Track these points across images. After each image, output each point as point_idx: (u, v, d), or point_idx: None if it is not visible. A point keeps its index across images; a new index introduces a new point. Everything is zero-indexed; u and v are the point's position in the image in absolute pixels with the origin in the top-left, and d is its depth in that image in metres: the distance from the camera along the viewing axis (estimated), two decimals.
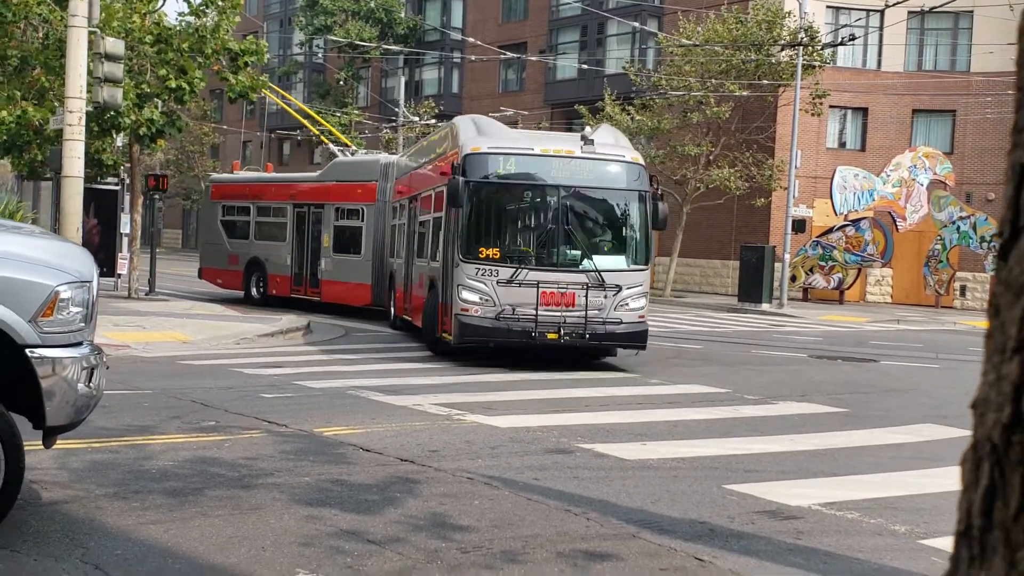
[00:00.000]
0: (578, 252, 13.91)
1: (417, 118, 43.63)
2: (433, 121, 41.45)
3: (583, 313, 13.56)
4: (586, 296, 13.55)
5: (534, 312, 13.41)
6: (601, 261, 13.95)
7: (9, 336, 5.12)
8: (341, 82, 56.58)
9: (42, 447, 5.84)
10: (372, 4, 52.32)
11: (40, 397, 5.24)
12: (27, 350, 5.18)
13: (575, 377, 13.19)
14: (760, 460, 8.28)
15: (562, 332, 13.50)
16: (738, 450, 8.63)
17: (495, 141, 14.25)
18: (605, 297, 13.69)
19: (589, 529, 5.98)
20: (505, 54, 41.96)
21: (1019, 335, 0.98)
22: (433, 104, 48.01)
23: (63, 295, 5.33)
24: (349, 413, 9.65)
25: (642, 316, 14.16)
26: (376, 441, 8.33)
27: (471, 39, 42.05)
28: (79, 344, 5.51)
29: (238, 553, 5.25)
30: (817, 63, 31.70)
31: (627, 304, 13.88)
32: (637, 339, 14.18)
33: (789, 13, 31.90)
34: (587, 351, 14.55)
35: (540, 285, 13.47)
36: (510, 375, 13.13)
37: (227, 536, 5.50)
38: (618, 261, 14.19)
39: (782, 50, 31.72)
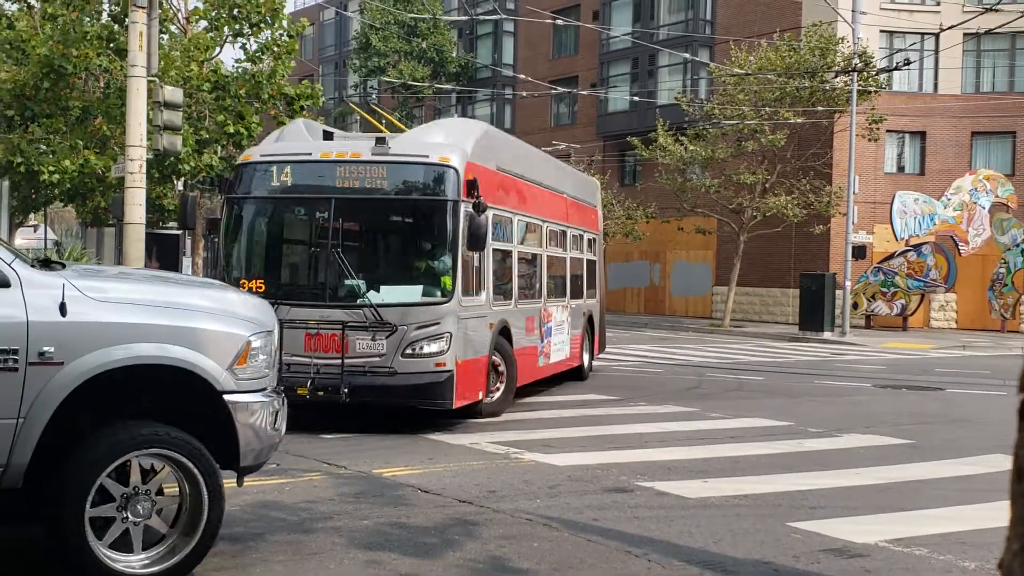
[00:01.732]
0: (353, 282, 10.84)
1: None
2: None
3: (340, 361, 10.45)
4: (343, 338, 10.47)
5: (294, 360, 10.42)
6: (381, 293, 10.80)
7: (210, 383, 5.48)
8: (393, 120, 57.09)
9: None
10: (424, 44, 52.91)
11: (236, 440, 5.62)
12: (224, 396, 5.53)
13: (635, 412, 13.08)
14: (825, 495, 8.14)
15: (312, 386, 10.42)
16: (802, 485, 8.49)
17: (275, 147, 11.77)
18: (379, 339, 10.53)
19: (651, 571, 5.90)
20: (556, 89, 42.12)
21: None
22: None
23: (254, 344, 5.70)
24: (407, 453, 9.65)
25: (441, 364, 10.62)
26: (434, 482, 8.32)
27: (522, 75, 42.28)
28: (264, 389, 5.84)
29: None
30: (872, 88, 31.40)
31: (418, 348, 10.59)
32: (429, 394, 10.68)
33: (843, 39, 31.67)
34: (385, 408, 11.61)
35: (304, 325, 10.63)
36: (568, 412, 13.06)
37: None
38: (406, 292, 10.95)
39: (836, 76, 31.47)
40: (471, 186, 10.93)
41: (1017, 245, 34.75)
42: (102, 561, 5.15)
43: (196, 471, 5.39)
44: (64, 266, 5.55)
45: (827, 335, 29.83)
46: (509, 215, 12.96)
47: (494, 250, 12.05)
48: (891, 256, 35.32)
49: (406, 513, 7.19)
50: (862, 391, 16.49)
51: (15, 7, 23.37)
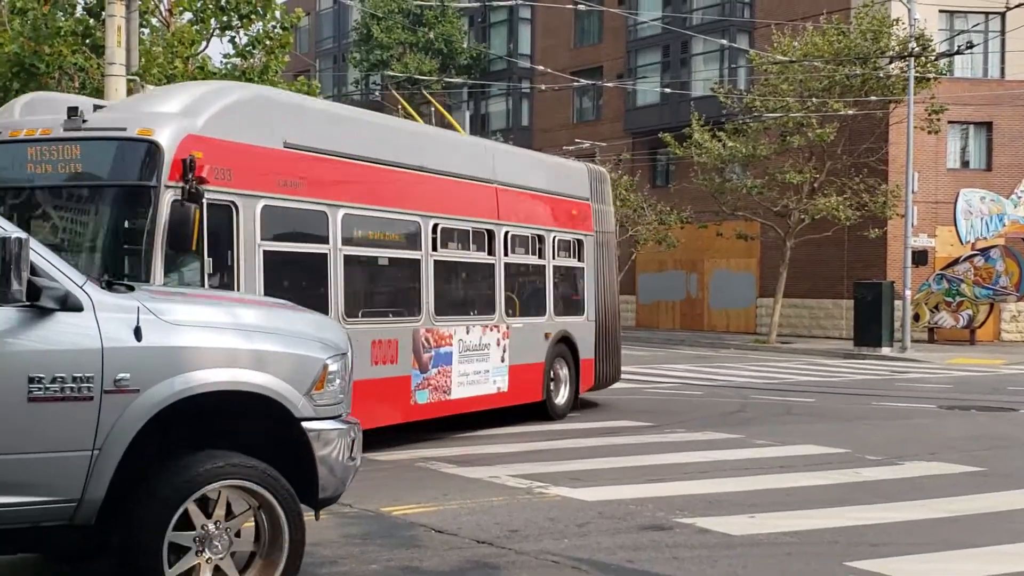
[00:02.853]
0: None
1: None
2: None
3: None
4: None
5: None
6: None
7: (288, 410, 5.64)
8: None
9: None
10: (431, 34, 53.10)
11: (314, 469, 5.78)
12: (303, 423, 5.71)
13: (672, 440, 13.04)
14: (887, 531, 8.09)
15: None
16: (861, 520, 8.43)
17: None
18: None
19: None
20: (579, 81, 42.24)
21: None
22: (502, 139, 48.42)
23: (331, 367, 5.89)
24: (419, 488, 9.64)
25: None
26: (449, 520, 8.30)
27: (541, 67, 42.43)
28: (340, 416, 6.01)
29: None
30: (932, 75, 31.33)
31: None
32: None
33: (897, 20, 31.62)
34: None
35: None
36: (597, 440, 13.03)
37: None
38: None
39: (891, 62, 31.43)
40: (186, 166, 9.08)
41: None
42: None
43: (276, 503, 5.56)
44: (132, 288, 5.68)
45: (885, 351, 29.71)
46: (318, 208, 11.00)
47: (285, 253, 10.48)
48: (956, 261, 35.17)
49: (418, 556, 7.18)
50: (926, 413, 16.40)
51: None
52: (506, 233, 14.06)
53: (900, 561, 7.14)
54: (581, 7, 44.53)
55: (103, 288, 5.33)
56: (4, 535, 5.15)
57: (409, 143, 12.82)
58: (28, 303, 4.90)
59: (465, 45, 54.61)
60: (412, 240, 12.45)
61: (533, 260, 14.90)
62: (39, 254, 5.05)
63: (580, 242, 16.09)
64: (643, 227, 39.09)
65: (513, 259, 14.28)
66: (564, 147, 46.82)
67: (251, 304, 6.37)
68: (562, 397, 15.27)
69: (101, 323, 5.10)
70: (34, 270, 4.92)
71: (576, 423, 14.65)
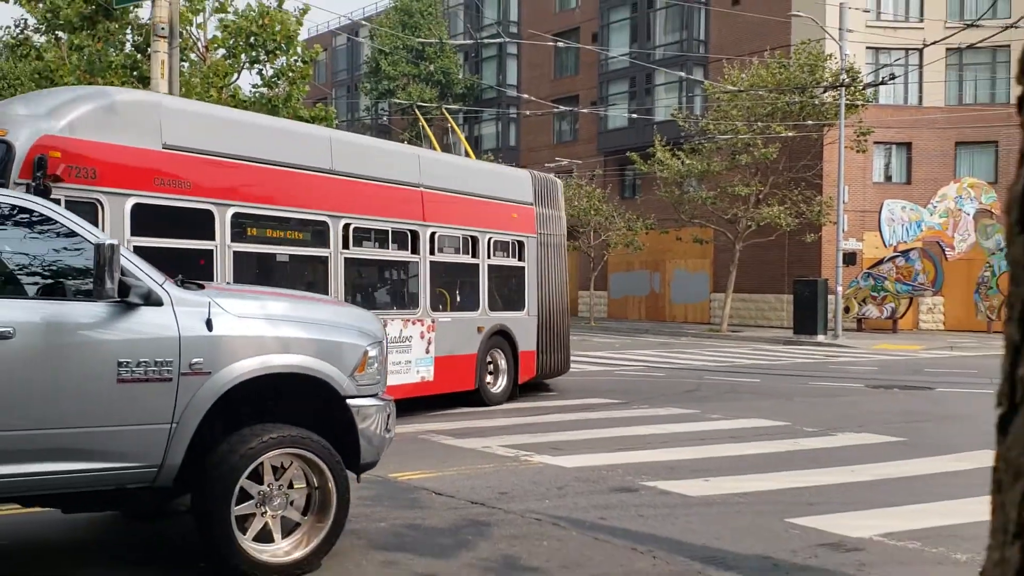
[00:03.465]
0: None
1: None
2: None
3: None
4: None
5: None
6: None
7: (335, 389, 5.81)
8: (406, 141, 57.32)
9: None
10: (431, 67, 53.02)
11: (356, 440, 5.96)
12: (348, 400, 5.87)
13: (638, 415, 13.05)
14: (821, 492, 8.09)
15: None
16: (799, 483, 8.44)
17: None
18: None
19: (656, 568, 5.87)
20: (559, 107, 42.24)
21: (1019, 519, 0.90)
22: (493, 157, 48.34)
23: (371, 353, 6.05)
24: (421, 457, 9.63)
25: None
26: (447, 484, 8.30)
27: (526, 95, 42.36)
28: (377, 395, 6.16)
29: None
30: (860, 102, 31.40)
31: None
32: None
33: (830, 56, 31.68)
34: None
35: None
36: (575, 415, 13.03)
37: None
38: None
39: (825, 91, 31.48)
40: (36, 165, 8.27)
41: (1001, 249, 34.64)
42: (246, 551, 5.40)
43: (326, 468, 5.68)
44: (203, 286, 5.79)
45: (820, 338, 29.76)
46: (203, 206, 10.00)
47: (164, 250, 9.25)
48: (880, 262, 35.27)
49: (421, 515, 7.17)
50: (855, 391, 16.42)
51: (43, 39, 23.46)
52: (433, 234, 13.10)
53: (833, 518, 7.14)
54: (560, 44, 44.44)
55: (178, 286, 5.45)
56: (95, 495, 5.31)
57: (315, 148, 11.59)
58: (119, 299, 5.04)
59: (461, 76, 54.56)
60: (320, 238, 11.42)
61: (465, 259, 13.94)
62: (126, 257, 5.19)
63: (521, 243, 15.13)
64: (614, 233, 39.08)
65: (441, 258, 13.37)
66: (546, 164, 46.79)
67: (302, 299, 6.45)
68: (499, 386, 14.46)
69: (178, 316, 5.25)
70: (122, 271, 5.05)
71: (557, 400, 14.65)
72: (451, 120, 21.96)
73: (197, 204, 9.93)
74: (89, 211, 8.62)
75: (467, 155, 17.39)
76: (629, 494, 7.98)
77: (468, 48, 54.88)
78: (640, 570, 5.81)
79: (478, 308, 14.13)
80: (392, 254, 12.84)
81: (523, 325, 15.14)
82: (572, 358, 17.79)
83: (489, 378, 14.33)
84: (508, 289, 15.08)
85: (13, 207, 5.08)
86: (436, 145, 23.72)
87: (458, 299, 14.01)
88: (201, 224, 9.99)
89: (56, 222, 5.12)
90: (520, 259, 15.15)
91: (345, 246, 11.65)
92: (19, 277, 5.08)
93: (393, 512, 7.25)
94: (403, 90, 51.70)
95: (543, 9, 51.56)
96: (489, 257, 14.34)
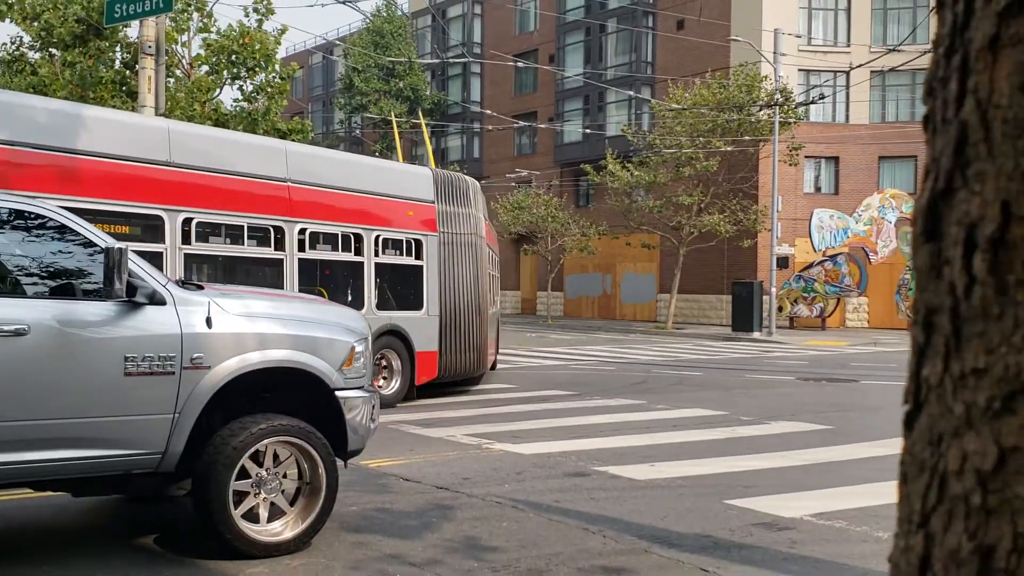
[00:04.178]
0: None
1: None
2: None
3: None
4: None
5: None
6: None
7: (324, 382, 5.82)
8: (377, 153, 57.05)
9: None
10: (401, 84, 52.81)
11: (344, 430, 5.95)
12: (336, 392, 5.88)
13: (590, 405, 13.07)
14: (757, 476, 8.15)
15: None
16: (737, 467, 8.51)
17: None
18: None
19: (606, 546, 5.89)
20: (518, 123, 42.22)
21: (923, 510, 0.92)
22: (458, 168, 48.25)
23: (357, 348, 6.04)
24: (390, 446, 9.58)
25: None
26: (415, 471, 8.27)
27: (488, 111, 42.32)
28: (363, 387, 6.14)
29: None
30: (792, 120, 31.71)
31: None
32: None
33: (765, 77, 31.95)
34: None
35: None
36: (532, 406, 13.02)
37: (283, 563, 5.46)
38: None
39: (760, 110, 31.75)
40: None
41: None
42: (242, 530, 5.41)
43: (316, 455, 5.69)
44: (202, 287, 5.78)
45: (756, 335, 30.01)
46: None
47: None
48: (810, 265, 35.64)
49: (390, 499, 7.13)
50: (787, 383, 16.54)
51: (38, 55, 23.09)
52: (303, 230, 11.58)
53: (768, 499, 7.19)
54: (520, 64, 44.45)
55: (179, 287, 5.47)
56: (103, 480, 5.32)
57: (150, 139, 10.11)
58: (126, 299, 5.08)
59: (428, 93, 54.40)
60: (154, 233, 9.94)
61: (346, 257, 12.41)
62: (133, 260, 5.20)
63: (418, 242, 13.49)
64: (569, 238, 39.15)
65: (314, 255, 11.87)
66: (507, 175, 46.80)
67: (294, 299, 6.48)
68: (392, 388, 12.98)
69: (180, 314, 5.28)
70: (129, 272, 5.09)
71: (516, 392, 14.60)
72: (425, 129, 21.85)
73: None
74: None
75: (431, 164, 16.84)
76: (582, 478, 7.99)
77: (435, 67, 54.70)
78: (592, 548, 5.82)
79: (363, 307, 12.44)
80: (250, 251, 11.16)
81: (421, 325, 13.52)
82: (533, 353, 17.68)
83: (381, 380, 12.89)
84: (403, 288, 13.43)
85: (31, 214, 5.08)
86: (400, 156, 23.57)
87: (337, 298, 12.08)
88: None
89: (69, 228, 5.14)
90: (418, 258, 13.52)
91: (186, 241, 10.19)
92: (34, 278, 5.10)
93: (364, 497, 7.21)
94: (375, 105, 51.45)
95: (504, 31, 51.53)
96: (377, 255, 12.81)
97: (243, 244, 11.10)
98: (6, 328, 4.72)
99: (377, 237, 12.86)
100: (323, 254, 12.17)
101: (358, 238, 12.59)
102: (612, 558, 5.61)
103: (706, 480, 7.96)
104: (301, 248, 11.60)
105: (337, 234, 12.31)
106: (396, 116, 47.97)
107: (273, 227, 11.35)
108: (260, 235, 11.28)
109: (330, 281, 12.40)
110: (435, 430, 10.69)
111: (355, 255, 12.57)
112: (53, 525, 6.40)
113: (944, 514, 0.87)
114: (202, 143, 10.80)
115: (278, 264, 11.39)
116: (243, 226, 11.03)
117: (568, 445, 9.63)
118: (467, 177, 15.51)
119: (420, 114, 27.92)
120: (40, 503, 6.74)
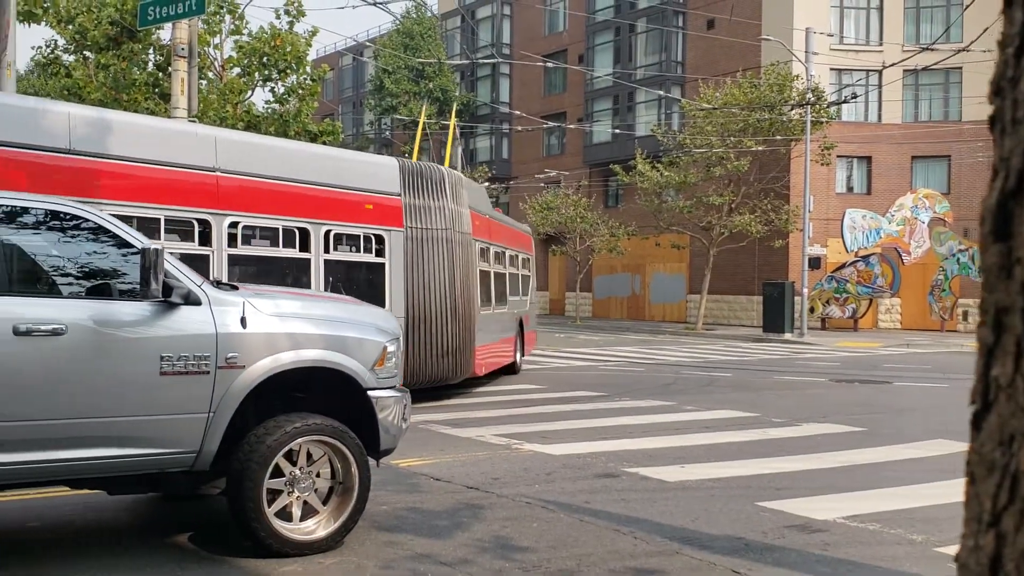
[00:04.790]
0: None
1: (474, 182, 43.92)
2: (487, 184, 41.66)
3: None
4: None
5: None
6: None
7: (357, 382, 5.83)
8: (406, 155, 57.25)
9: None
10: (431, 85, 52.97)
11: (376, 429, 5.96)
12: (368, 392, 5.89)
13: (620, 406, 13.04)
14: (788, 478, 8.10)
15: None
16: (768, 469, 8.46)
17: None
18: None
19: (636, 547, 5.87)
20: (547, 123, 42.22)
21: (993, 510, 0.90)
22: (487, 169, 48.33)
23: (389, 348, 6.07)
24: (420, 446, 9.61)
25: None
26: (445, 470, 8.29)
27: (517, 111, 42.34)
28: (394, 387, 6.15)
29: None
30: (824, 119, 31.46)
31: None
32: None
33: (797, 76, 31.73)
34: None
35: None
36: (562, 407, 13.01)
37: (316, 562, 5.49)
38: None
39: (792, 109, 31.53)
40: None
41: (953, 255, 34.79)
42: (276, 529, 5.43)
43: (349, 454, 5.71)
44: (236, 287, 5.80)
45: (787, 336, 29.81)
46: None
47: None
48: (843, 266, 35.35)
49: (420, 499, 7.16)
50: (819, 385, 16.43)
51: (72, 58, 23.39)
52: (234, 223, 10.27)
53: (798, 502, 7.15)
54: (549, 65, 44.46)
55: (214, 287, 5.49)
56: (139, 478, 5.36)
57: (47, 125, 8.78)
58: (162, 299, 5.11)
59: (457, 94, 54.52)
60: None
61: (288, 253, 11.01)
62: (169, 261, 5.25)
63: (379, 237, 12.24)
64: (598, 239, 39.08)
65: (248, 251, 10.51)
66: (536, 175, 46.84)
67: (326, 299, 6.47)
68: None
69: (215, 314, 5.30)
70: (165, 273, 5.13)
71: (545, 393, 14.58)
72: (452, 131, 21.83)
73: None
74: None
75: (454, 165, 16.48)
76: (612, 479, 7.98)
77: (464, 68, 54.83)
78: (622, 549, 5.81)
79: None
80: (169, 245, 9.49)
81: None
82: (561, 353, 17.55)
83: None
84: (360, 288, 11.92)
85: (67, 215, 5.13)
86: (416, 156, 23.60)
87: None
88: None
89: (107, 230, 5.18)
90: (379, 255, 12.27)
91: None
92: (70, 279, 5.14)
93: (395, 496, 7.23)
94: (405, 106, 51.65)
95: (533, 32, 51.54)
96: (327, 251, 11.47)
97: (159, 238, 9.53)
98: (44, 328, 4.79)
99: (328, 232, 11.46)
100: (259, 250, 10.74)
101: (304, 233, 11.18)
102: (643, 559, 5.60)
103: (737, 482, 7.91)
104: (232, 243, 10.27)
105: (278, 228, 10.89)
106: (429, 117, 48.13)
107: (197, 220, 9.94)
108: (184, 229, 9.91)
109: (268, 279, 10.60)
110: (465, 430, 10.71)
111: (300, 251, 11.16)
112: (89, 523, 6.47)
113: (1016, 513, 0.86)
114: (106, 128, 9.33)
115: (206, 260, 9.90)
116: (159, 219, 9.53)
117: (598, 446, 9.62)
118: (446, 168, 14.02)
119: (451, 115, 27.83)
120: (75, 500, 6.82)
